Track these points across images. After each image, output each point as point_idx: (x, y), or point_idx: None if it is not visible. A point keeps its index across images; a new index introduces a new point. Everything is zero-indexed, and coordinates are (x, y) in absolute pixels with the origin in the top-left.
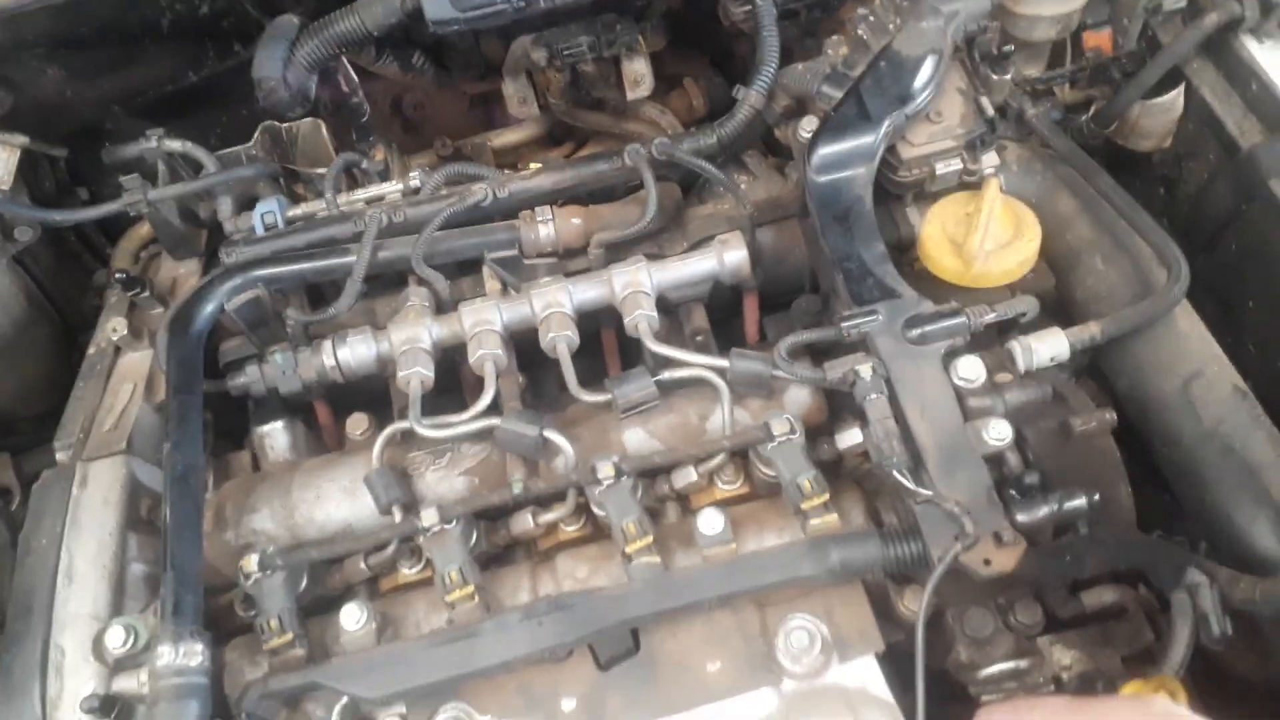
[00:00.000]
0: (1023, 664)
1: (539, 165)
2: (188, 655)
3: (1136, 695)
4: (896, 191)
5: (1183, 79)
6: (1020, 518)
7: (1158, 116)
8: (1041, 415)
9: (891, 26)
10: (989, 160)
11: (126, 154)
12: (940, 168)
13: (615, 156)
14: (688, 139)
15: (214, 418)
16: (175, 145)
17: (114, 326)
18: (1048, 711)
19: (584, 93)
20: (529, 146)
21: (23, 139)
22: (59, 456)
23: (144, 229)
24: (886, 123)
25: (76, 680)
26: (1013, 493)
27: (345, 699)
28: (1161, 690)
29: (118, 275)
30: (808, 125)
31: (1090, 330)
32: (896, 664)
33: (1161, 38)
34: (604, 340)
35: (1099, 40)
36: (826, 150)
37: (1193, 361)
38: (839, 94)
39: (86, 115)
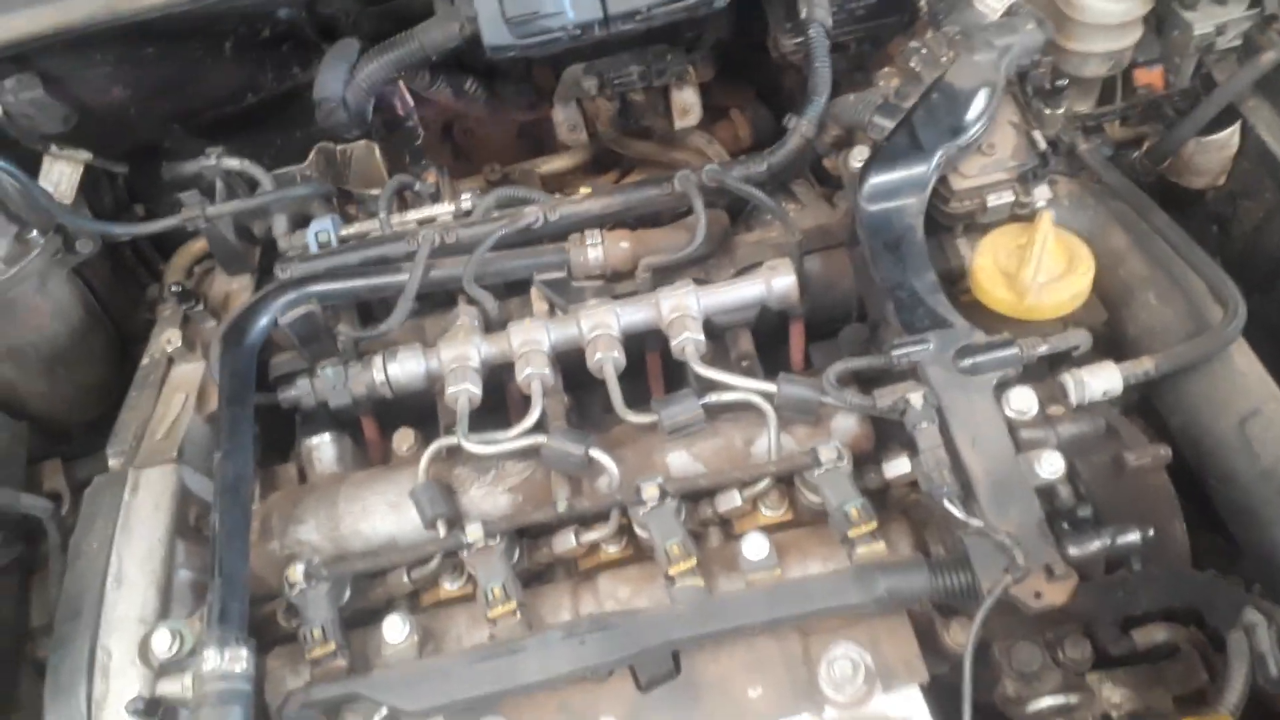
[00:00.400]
0: (1072, 699)
1: (588, 190)
2: (233, 661)
3: None
4: (947, 223)
5: (1238, 116)
6: (1072, 551)
7: (1212, 154)
8: (1094, 449)
9: (944, 59)
10: (1041, 193)
11: (185, 171)
12: (992, 200)
13: (665, 182)
14: (738, 166)
15: (261, 430)
16: (233, 163)
17: (168, 338)
18: None
19: (632, 121)
20: (575, 173)
21: (86, 155)
22: (111, 463)
23: (197, 245)
24: (939, 153)
25: (122, 682)
26: (1065, 526)
27: (385, 710)
28: None
29: (174, 288)
30: (859, 155)
31: (1144, 365)
32: (941, 696)
33: (1216, 75)
34: (649, 363)
35: (1150, 78)
36: (878, 179)
37: (1250, 400)
38: (891, 124)
39: (147, 133)
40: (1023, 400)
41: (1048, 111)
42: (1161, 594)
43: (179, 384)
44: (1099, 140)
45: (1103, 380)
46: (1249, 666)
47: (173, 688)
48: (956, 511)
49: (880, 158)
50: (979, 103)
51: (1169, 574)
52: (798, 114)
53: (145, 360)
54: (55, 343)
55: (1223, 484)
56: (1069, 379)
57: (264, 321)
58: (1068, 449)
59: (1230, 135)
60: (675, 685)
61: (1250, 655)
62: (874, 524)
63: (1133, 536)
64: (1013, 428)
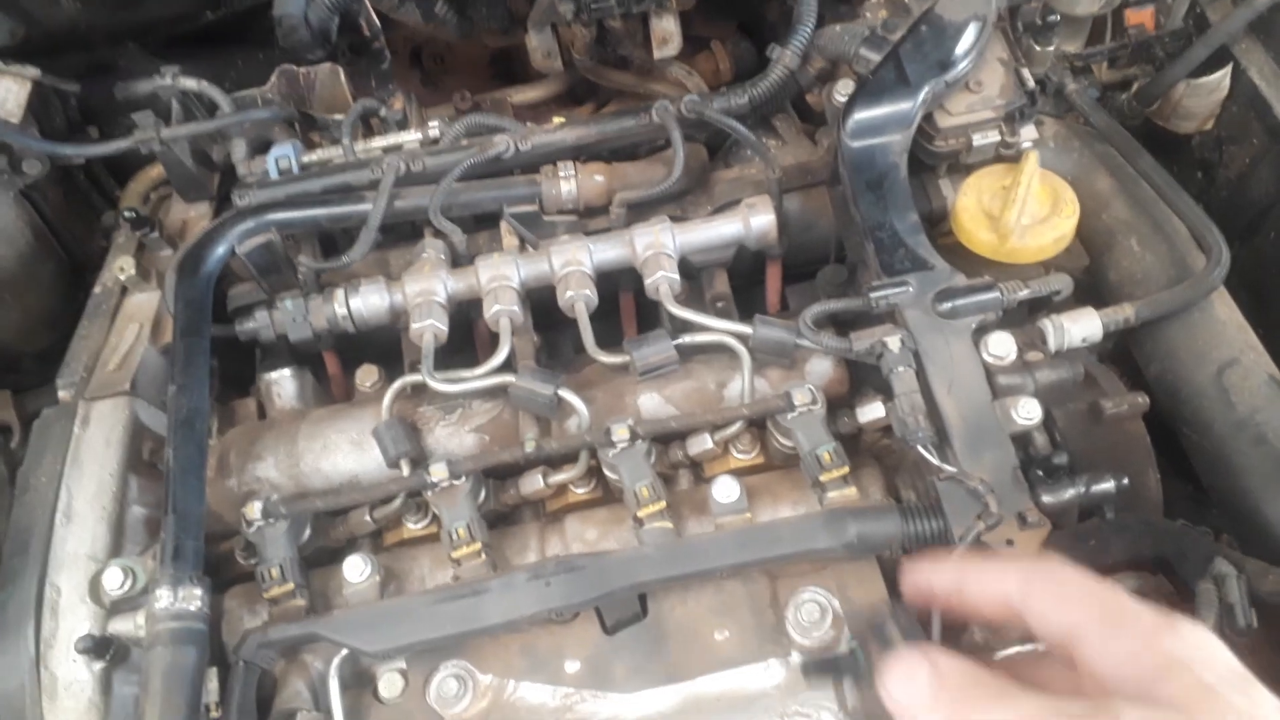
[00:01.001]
0: (1040, 647)
1: (562, 120)
2: (186, 600)
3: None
4: (930, 162)
5: (1230, 59)
6: (1046, 499)
7: (1202, 97)
8: (1072, 396)
9: None
10: (1027, 133)
11: (140, 90)
12: (977, 139)
13: (642, 113)
14: (718, 98)
15: (221, 365)
16: (190, 84)
17: (121, 266)
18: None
19: (609, 50)
20: (549, 104)
21: (34, 71)
22: (61, 395)
23: (154, 171)
24: (925, 89)
25: (72, 620)
26: (1039, 473)
27: (344, 652)
28: None
29: (126, 214)
30: (843, 89)
31: (1124, 312)
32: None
33: (1210, 16)
34: (622, 304)
35: (1141, 18)
36: (863, 115)
37: (1229, 349)
38: (877, 57)
39: (100, 50)
40: (1001, 345)
41: (1037, 49)
42: (1133, 543)
43: (133, 314)
44: (1087, 81)
45: (1082, 326)
46: (1217, 617)
47: (125, 626)
48: (930, 457)
49: (865, 92)
50: (968, 37)
51: (1141, 523)
52: (781, 45)
53: (97, 289)
54: (1, 268)
55: (1197, 433)
56: (1048, 324)
57: (221, 250)
58: (1045, 396)
59: (1221, 78)
60: (641, 628)
61: (1219, 606)
62: (846, 469)
63: (1107, 485)
64: (990, 373)
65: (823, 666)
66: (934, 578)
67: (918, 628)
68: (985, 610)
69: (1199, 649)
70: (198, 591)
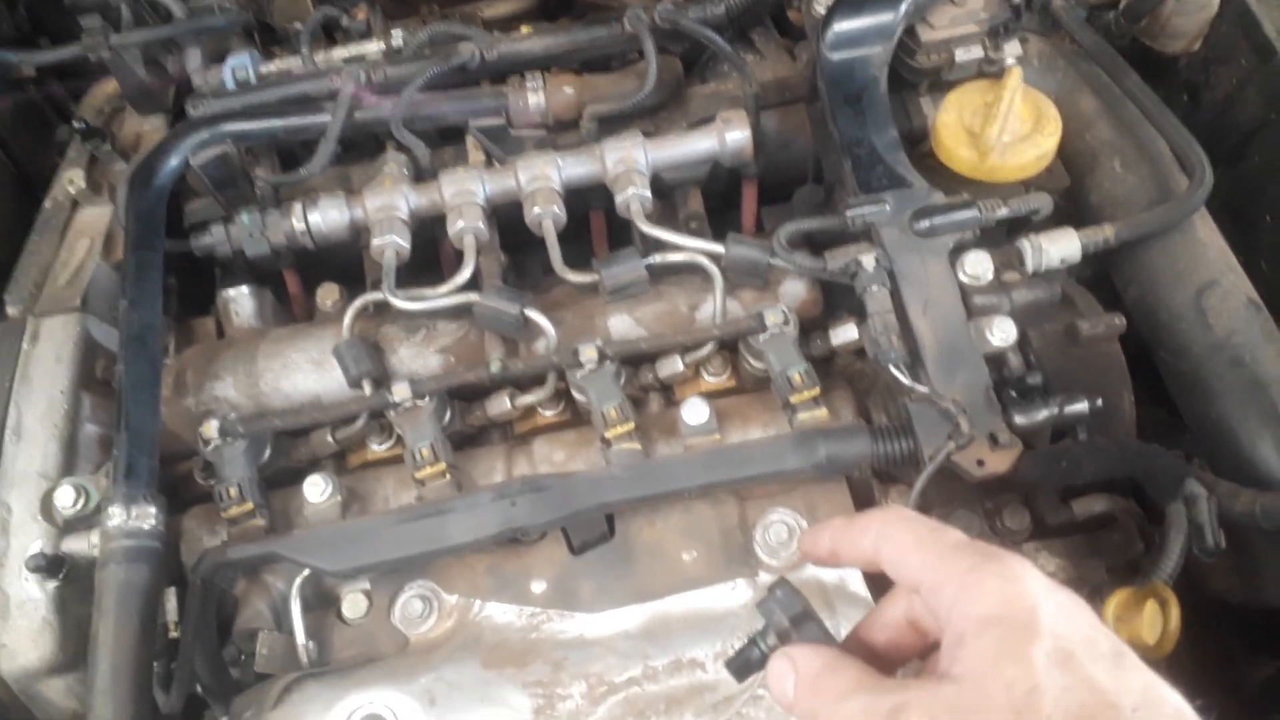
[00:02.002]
0: None
1: (530, 29)
2: (140, 518)
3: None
4: (911, 79)
5: None
6: (1018, 420)
7: (1192, 14)
8: (1048, 317)
9: None
10: (1011, 50)
11: None
12: (960, 54)
13: (614, 22)
14: (694, 7)
15: (180, 283)
16: None
17: (71, 178)
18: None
19: None
20: (521, 19)
21: None
22: (10, 311)
23: (109, 86)
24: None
25: (24, 539)
26: (1012, 394)
27: (306, 572)
28: (1153, 598)
29: (77, 125)
30: None
31: (1104, 232)
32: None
33: None
34: (592, 222)
35: None
36: (843, 25)
37: (1209, 271)
38: None
39: None
40: (978, 265)
41: None
42: (1105, 464)
43: (84, 229)
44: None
45: (1061, 247)
46: (1186, 537)
47: (78, 545)
48: (902, 377)
49: (846, 2)
50: None
51: (1113, 444)
52: None
53: (47, 203)
54: None
55: (1174, 356)
56: (1026, 245)
57: (174, 162)
58: (1021, 316)
59: None
60: (608, 549)
61: (1189, 526)
62: (817, 390)
63: (1081, 406)
64: (966, 293)
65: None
66: (815, 543)
67: (815, 624)
68: (859, 566)
69: (1004, 603)
70: (151, 509)
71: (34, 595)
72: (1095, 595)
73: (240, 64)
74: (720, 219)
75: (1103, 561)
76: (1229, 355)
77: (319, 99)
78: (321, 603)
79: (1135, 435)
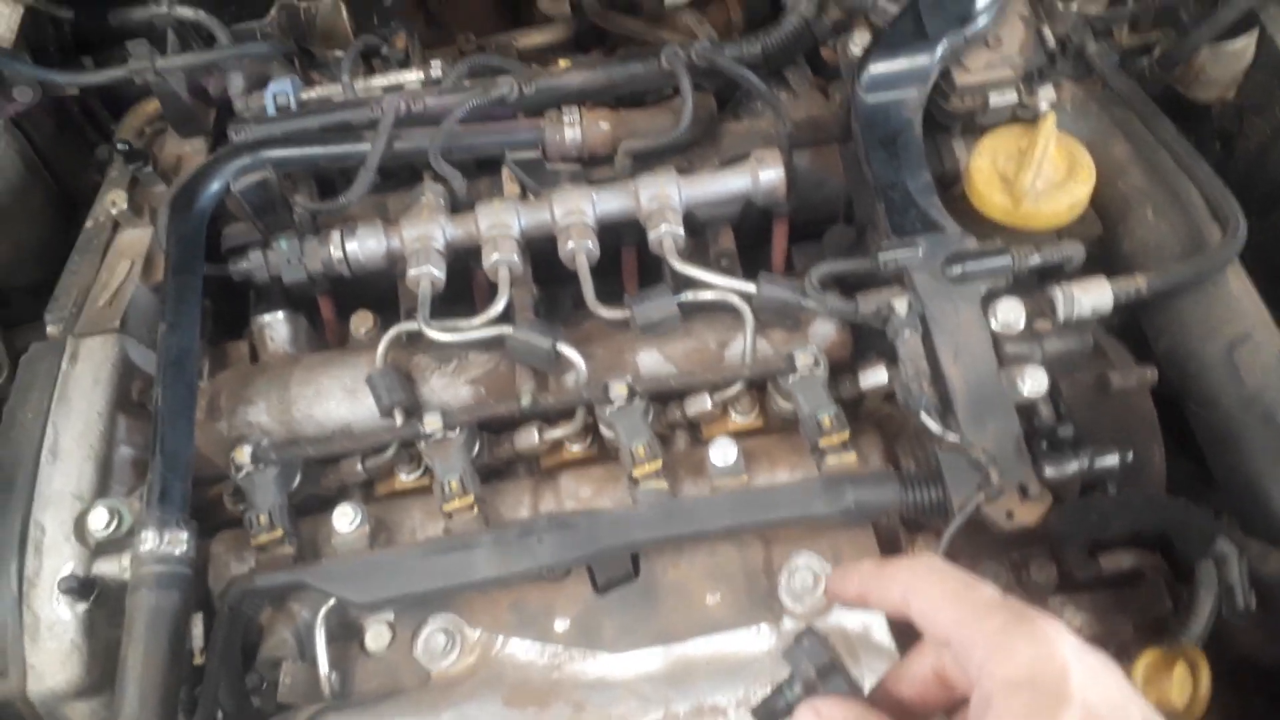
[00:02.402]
0: None
1: (568, 63)
2: (172, 543)
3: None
4: (945, 121)
5: (1257, 24)
6: (1049, 472)
7: (1227, 63)
8: (1079, 367)
9: None
10: (1046, 95)
11: (135, 18)
12: (994, 98)
13: (651, 58)
14: (730, 45)
15: (214, 305)
16: (187, 13)
17: (113, 200)
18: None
19: None
20: (556, 50)
21: None
22: (49, 330)
23: (150, 106)
24: (944, 43)
25: (56, 559)
26: (1042, 445)
27: (332, 601)
28: (1182, 660)
29: (120, 146)
30: (859, 40)
31: (1136, 283)
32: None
33: None
34: (624, 258)
35: None
36: (878, 68)
37: (1241, 324)
38: (896, 9)
39: None
40: (1010, 312)
41: (1060, 7)
42: (1134, 519)
43: (124, 250)
44: (1108, 44)
45: (1093, 296)
46: (1216, 598)
47: (109, 567)
48: (933, 425)
49: (882, 44)
50: None
51: (1143, 499)
52: None
53: (89, 224)
54: None
55: (1205, 409)
56: (1059, 293)
57: (215, 187)
58: (1052, 366)
59: (1246, 45)
60: (632, 588)
61: (1219, 586)
62: (846, 434)
63: (1111, 460)
64: (997, 341)
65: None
66: (844, 584)
67: (842, 675)
68: (887, 612)
69: (1034, 666)
70: (184, 535)
71: (64, 617)
72: (1123, 653)
73: (282, 90)
74: (751, 256)
75: (1130, 618)
76: (1261, 411)
77: (359, 127)
78: (345, 633)
79: (1165, 489)
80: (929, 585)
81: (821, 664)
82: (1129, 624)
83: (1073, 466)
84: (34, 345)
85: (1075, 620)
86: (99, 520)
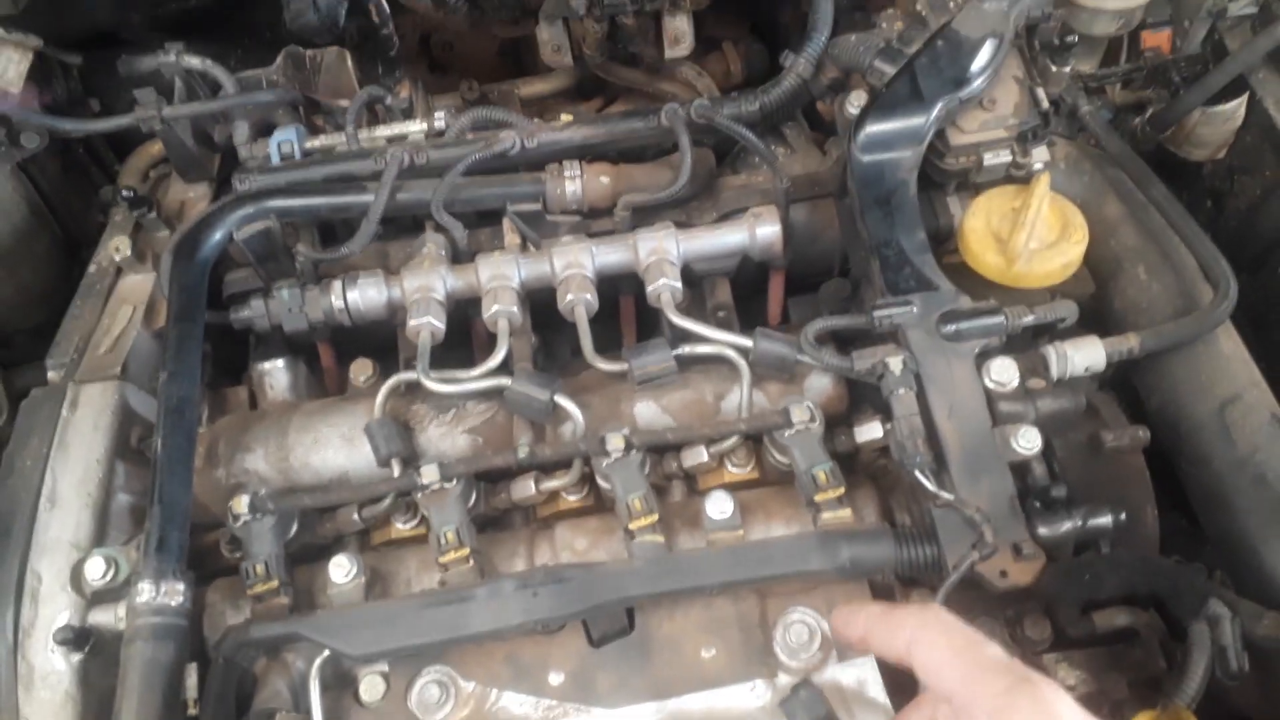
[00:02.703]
0: None
1: (570, 117)
2: (169, 595)
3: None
4: (939, 180)
5: (1247, 88)
6: (1042, 531)
7: (1217, 125)
8: (1072, 426)
9: (952, 4)
10: (1039, 155)
11: (143, 66)
12: (988, 158)
13: (651, 115)
14: (728, 103)
15: (213, 351)
16: (194, 62)
17: (117, 245)
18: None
19: (620, 47)
20: (557, 98)
21: (36, 41)
22: (50, 375)
23: (154, 148)
24: (939, 105)
25: (52, 609)
26: (1036, 504)
27: (326, 653)
28: None
29: (124, 192)
30: (856, 100)
31: (1129, 342)
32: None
33: (1229, 43)
34: (622, 308)
35: (1158, 40)
36: (874, 128)
37: (1232, 385)
38: (892, 70)
39: (104, 22)
40: (1004, 371)
41: (1053, 69)
42: (1127, 579)
43: (127, 295)
44: (1100, 103)
45: (1086, 355)
46: (1210, 659)
47: (105, 617)
48: (927, 483)
49: (878, 105)
50: (985, 53)
51: (1136, 559)
52: (795, 52)
53: (92, 268)
54: None
55: (1196, 468)
56: (1052, 352)
57: (218, 235)
58: (1045, 424)
59: (1237, 107)
60: (627, 642)
61: (1212, 647)
62: (841, 489)
63: (1105, 519)
64: (991, 399)
65: None
66: (847, 626)
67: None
68: (888, 659)
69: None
70: (180, 586)
71: (58, 667)
72: (1116, 712)
73: (286, 139)
74: (748, 306)
75: (1124, 676)
76: (1252, 472)
77: (362, 178)
78: (339, 683)
79: (1158, 549)
80: (935, 637)
81: (818, 717)
82: (1123, 682)
83: (1066, 526)
84: (34, 391)
85: (1070, 678)
86: (96, 569)
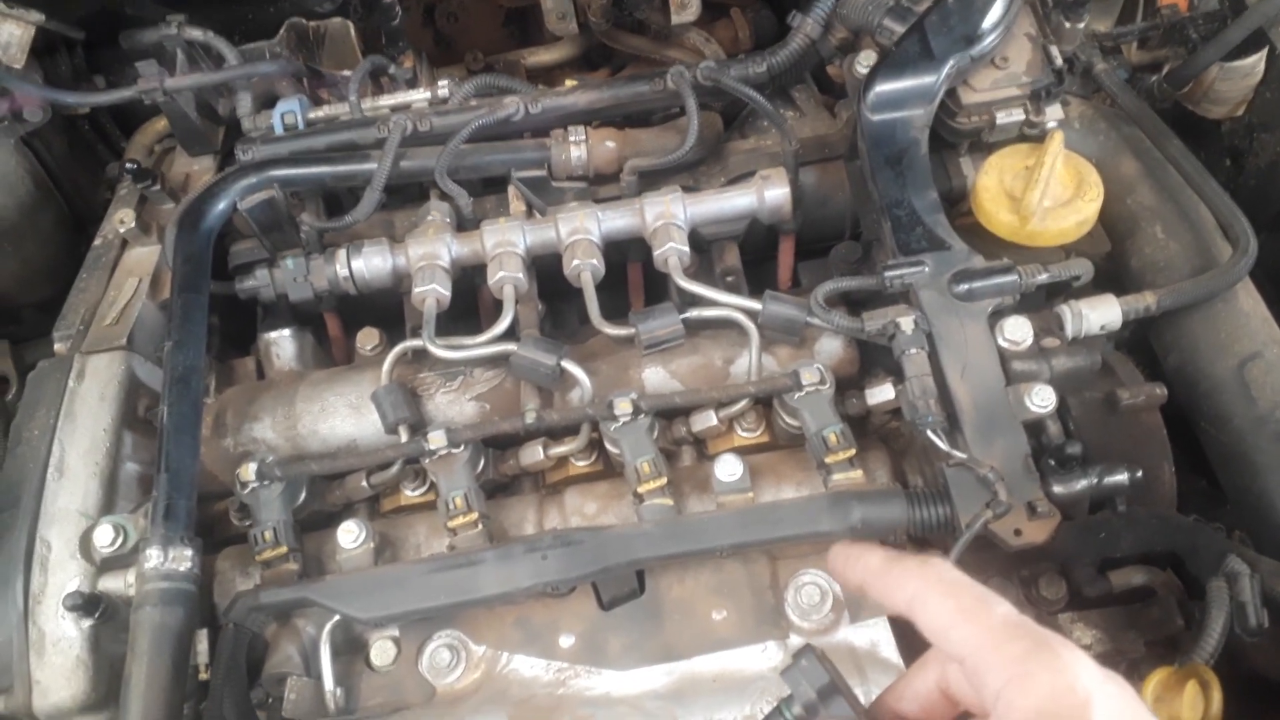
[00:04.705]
0: None
1: (574, 83)
2: (176, 560)
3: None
4: (952, 139)
5: (1266, 43)
6: (1056, 489)
7: (1236, 81)
8: (1088, 385)
9: None
10: (1053, 113)
11: (145, 39)
12: (1001, 117)
13: (657, 78)
14: (735, 65)
15: (221, 322)
16: (196, 34)
17: (121, 218)
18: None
19: (626, 13)
20: (563, 68)
21: (38, 16)
22: (57, 347)
23: (160, 124)
24: (950, 63)
25: (61, 576)
26: (1051, 462)
27: (336, 618)
28: (1194, 678)
29: (128, 165)
30: (865, 60)
31: (1146, 300)
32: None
33: None
34: (629, 274)
35: None
36: (884, 87)
37: (1252, 342)
38: (902, 29)
39: None
40: (1017, 330)
41: (1067, 26)
42: (1144, 537)
43: (132, 267)
44: (1116, 62)
45: (1101, 314)
46: (1228, 615)
47: (114, 584)
48: (940, 442)
49: (888, 64)
50: (996, 10)
51: (1153, 517)
52: (803, 12)
53: (97, 241)
54: (1, 216)
55: (1215, 427)
56: (1066, 310)
57: (222, 205)
58: (1060, 383)
59: (1256, 62)
60: (638, 605)
61: (1230, 604)
62: (852, 451)
63: (1120, 477)
64: (1005, 358)
65: None
66: (845, 571)
67: (842, 697)
68: (888, 613)
69: (1056, 699)
70: (188, 552)
71: (69, 633)
72: (1133, 671)
73: (289, 109)
74: (757, 272)
75: (1141, 635)
76: (1273, 430)
77: (365, 146)
78: (350, 648)
79: (1175, 507)
80: (940, 597)
81: (821, 685)
82: (1140, 641)
83: (1081, 484)
84: (41, 363)
85: (1085, 638)
86: (104, 537)
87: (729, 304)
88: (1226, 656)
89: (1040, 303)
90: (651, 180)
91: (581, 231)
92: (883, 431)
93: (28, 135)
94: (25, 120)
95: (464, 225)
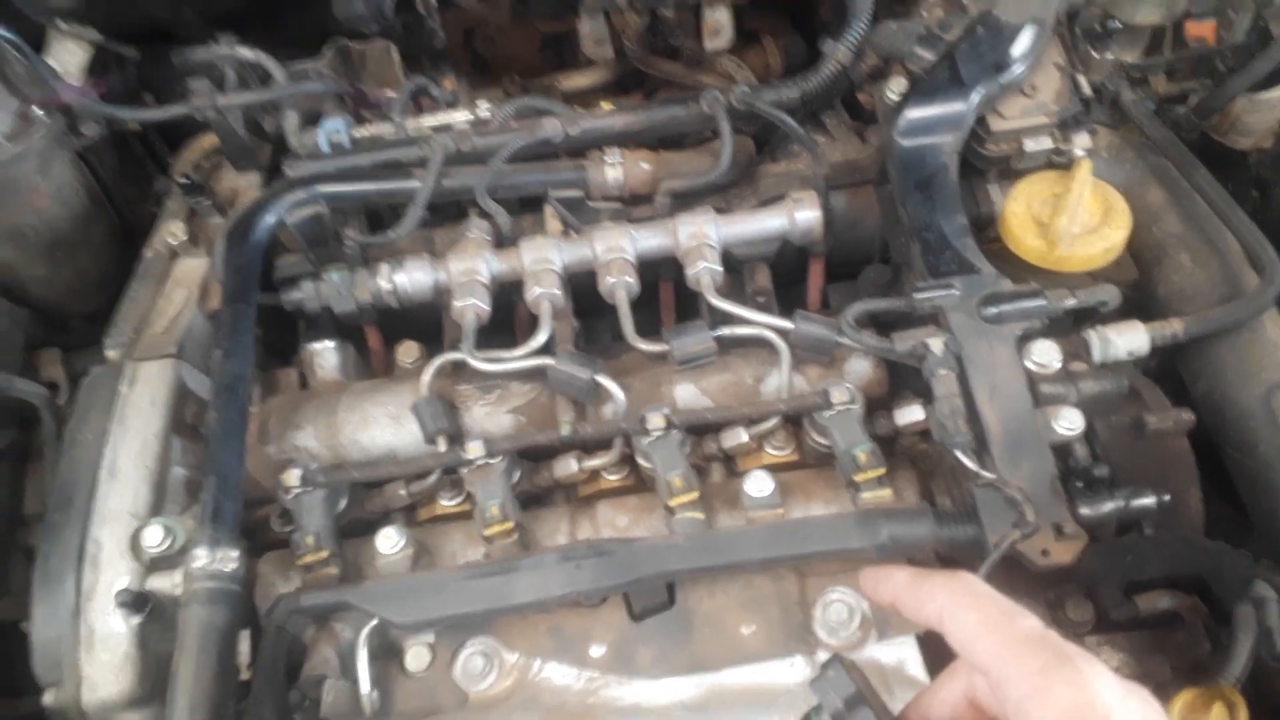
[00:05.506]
0: None
1: (611, 106)
2: (223, 561)
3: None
4: (980, 166)
5: None
6: (1084, 511)
7: (1263, 113)
8: (1115, 409)
9: None
10: (1081, 141)
11: (197, 58)
12: (1029, 144)
13: (691, 102)
14: (768, 90)
15: (265, 333)
16: (246, 54)
17: (172, 231)
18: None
19: (660, 39)
20: (598, 92)
21: (95, 35)
22: (109, 354)
23: (207, 140)
24: (979, 91)
25: (112, 574)
26: (1078, 484)
27: (374, 621)
28: (1220, 700)
29: (180, 180)
30: (896, 86)
31: (1173, 327)
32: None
33: (1274, 29)
34: (661, 293)
35: (1202, 30)
36: (915, 114)
37: (1278, 371)
38: (932, 57)
39: (159, 16)
40: (1045, 353)
41: (1095, 56)
42: (1171, 561)
43: (181, 279)
44: (1143, 93)
45: (1129, 339)
46: (1254, 640)
47: (162, 583)
48: (968, 462)
49: (918, 91)
50: (1025, 40)
51: (1180, 541)
52: (834, 39)
53: (148, 253)
54: (56, 227)
55: (1242, 454)
56: (1093, 336)
57: (270, 219)
58: (1087, 407)
59: None
60: (668, 617)
61: (1257, 629)
62: (882, 469)
63: (1148, 500)
64: (1033, 381)
65: None
66: (876, 590)
67: (869, 708)
68: (918, 628)
69: (1075, 713)
70: (234, 553)
71: (118, 630)
72: (1159, 694)
73: (335, 128)
74: (787, 294)
75: (1167, 660)
76: None
77: (408, 165)
78: (386, 653)
79: (1203, 532)
80: (967, 610)
81: (849, 695)
82: (1166, 665)
83: (1108, 506)
84: (94, 369)
85: (1112, 661)
86: (153, 537)
87: (760, 322)
88: (1253, 682)
89: (1068, 328)
90: (685, 201)
91: (617, 250)
92: (911, 453)
93: (83, 149)
94: (82, 135)
95: (502, 243)
